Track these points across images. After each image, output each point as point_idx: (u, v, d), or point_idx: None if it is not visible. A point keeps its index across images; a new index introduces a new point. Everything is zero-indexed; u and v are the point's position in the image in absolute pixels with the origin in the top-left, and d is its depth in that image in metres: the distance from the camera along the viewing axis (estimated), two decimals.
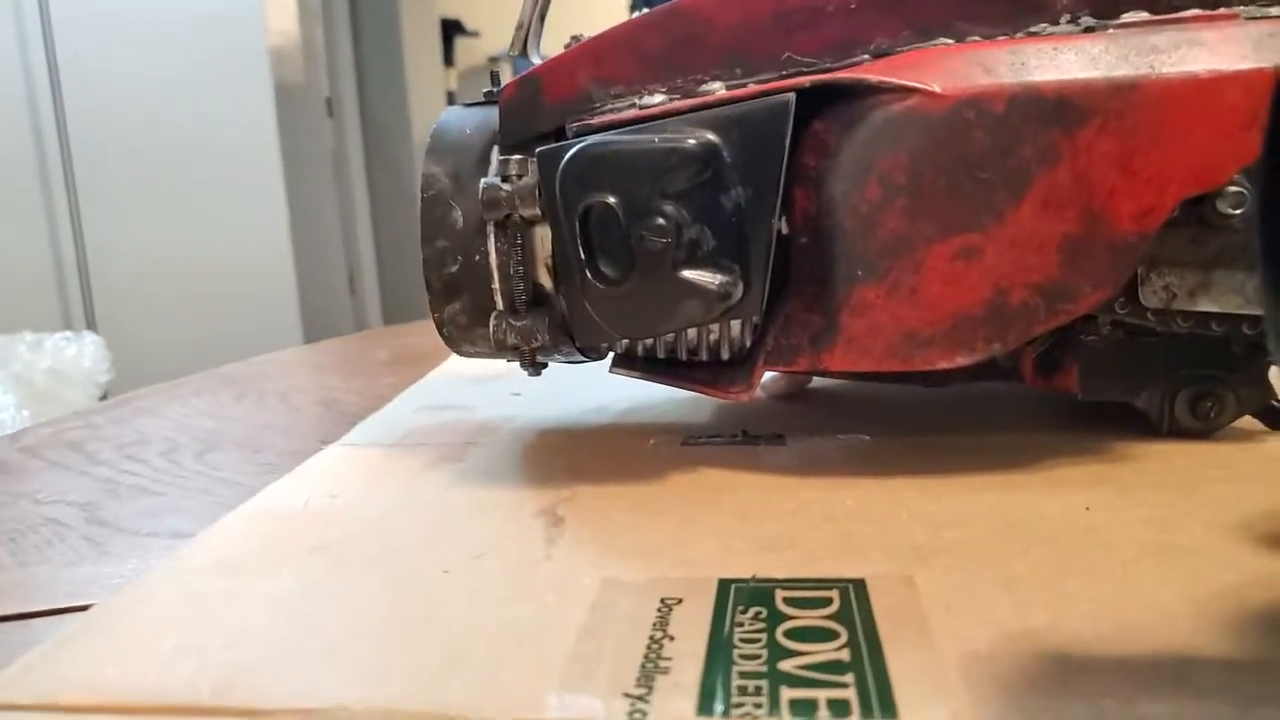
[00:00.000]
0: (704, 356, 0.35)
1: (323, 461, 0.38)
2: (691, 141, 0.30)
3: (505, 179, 0.33)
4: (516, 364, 0.37)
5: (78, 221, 2.15)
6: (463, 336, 0.36)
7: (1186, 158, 0.29)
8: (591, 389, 0.48)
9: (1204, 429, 0.35)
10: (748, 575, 0.25)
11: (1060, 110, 0.29)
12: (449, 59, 3.39)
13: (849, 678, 0.20)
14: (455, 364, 0.57)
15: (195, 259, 2.25)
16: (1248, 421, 0.36)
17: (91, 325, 2.14)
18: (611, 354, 0.37)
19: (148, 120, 2.19)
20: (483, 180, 0.33)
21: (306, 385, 0.58)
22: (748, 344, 0.34)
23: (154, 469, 0.42)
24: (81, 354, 1.70)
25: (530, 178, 0.33)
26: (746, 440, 0.38)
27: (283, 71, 2.35)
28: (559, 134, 0.33)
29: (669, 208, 0.30)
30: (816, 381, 0.47)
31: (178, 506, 0.37)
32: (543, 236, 0.34)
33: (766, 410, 0.43)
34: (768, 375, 0.45)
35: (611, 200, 0.30)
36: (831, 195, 0.31)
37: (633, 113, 0.32)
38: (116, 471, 0.41)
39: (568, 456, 0.37)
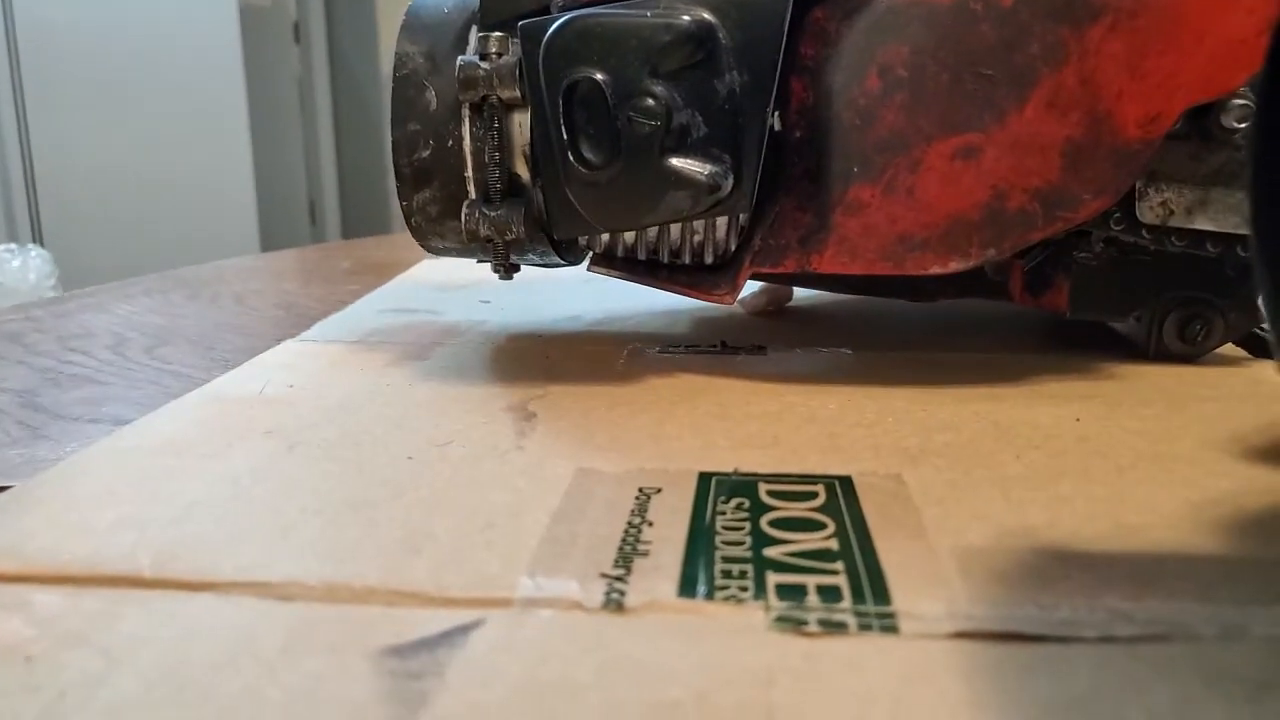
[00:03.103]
0: (686, 259, 0.33)
1: (280, 354, 0.36)
2: (686, 18, 0.28)
3: (484, 57, 0.31)
4: (486, 270, 0.35)
5: (24, 130, 2.07)
6: (432, 229, 0.35)
7: (1198, 62, 0.28)
8: (564, 299, 0.46)
9: (1190, 353, 0.34)
10: (729, 469, 0.24)
11: (1071, 6, 0.28)
12: None
13: (838, 565, 0.19)
14: (421, 270, 0.55)
15: (151, 178, 2.19)
16: (1230, 349, 0.35)
17: (38, 238, 2.08)
18: (590, 254, 0.35)
19: (102, 32, 2.11)
20: (460, 58, 0.31)
21: (264, 289, 0.56)
22: (732, 248, 0.33)
23: (99, 360, 0.39)
24: (26, 267, 1.65)
25: (511, 57, 0.31)
26: (726, 350, 0.37)
27: None
28: (543, 13, 0.31)
29: (659, 88, 0.28)
30: (796, 299, 0.46)
31: (123, 396, 0.35)
32: (521, 123, 0.32)
33: (746, 324, 0.42)
34: (746, 291, 0.43)
35: (599, 77, 0.28)
36: (829, 87, 0.30)
37: None
38: (58, 362, 0.39)
39: (540, 357, 0.36)
